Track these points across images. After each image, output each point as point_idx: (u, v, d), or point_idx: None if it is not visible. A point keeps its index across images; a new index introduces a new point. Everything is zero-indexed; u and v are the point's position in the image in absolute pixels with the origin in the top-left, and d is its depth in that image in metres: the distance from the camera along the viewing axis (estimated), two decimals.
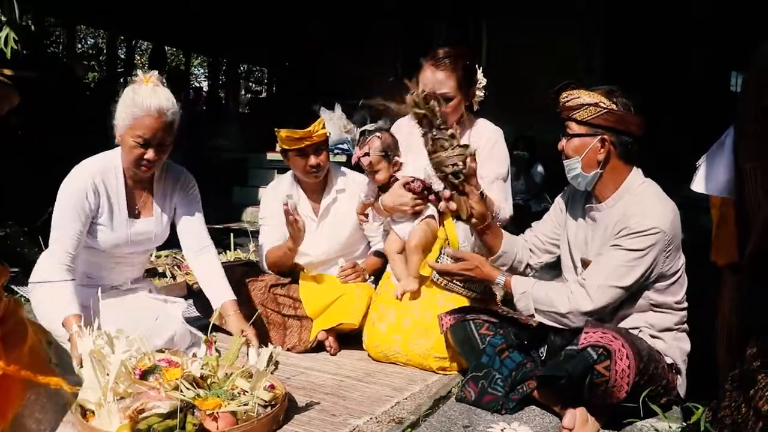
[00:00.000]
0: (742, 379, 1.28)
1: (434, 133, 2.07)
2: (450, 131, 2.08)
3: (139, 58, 15.05)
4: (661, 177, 2.22)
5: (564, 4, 7.40)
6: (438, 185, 2.33)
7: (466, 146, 2.09)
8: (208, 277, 2.42)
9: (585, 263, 2.10)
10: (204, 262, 2.44)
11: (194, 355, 2.02)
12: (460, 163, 2.07)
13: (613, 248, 1.96)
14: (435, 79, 2.47)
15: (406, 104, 2.08)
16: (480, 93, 2.63)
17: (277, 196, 2.80)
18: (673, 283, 2.03)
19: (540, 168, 6.72)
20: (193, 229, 2.46)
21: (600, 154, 2.01)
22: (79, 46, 14.74)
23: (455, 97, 2.49)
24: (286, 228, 2.76)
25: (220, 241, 4.33)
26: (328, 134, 2.65)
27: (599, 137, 2.00)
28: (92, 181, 2.25)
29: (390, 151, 2.55)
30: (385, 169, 2.54)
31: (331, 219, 2.78)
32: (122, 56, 10.81)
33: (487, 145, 2.60)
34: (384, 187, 2.57)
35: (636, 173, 2.07)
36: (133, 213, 2.39)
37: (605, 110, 1.97)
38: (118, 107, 2.20)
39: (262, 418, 1.77)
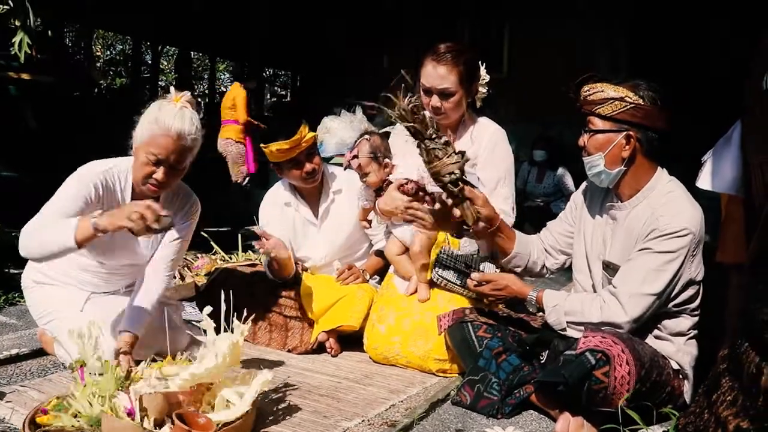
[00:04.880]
0: (710, 384, 1.20)
1: (427, 143, 1.94)
2: (444, 139, 1.96)
3: (166, 63, 15.30)
4: (685, 178, 2.13)
5: (588, 3, 7.28)
6: (432, 186, 2.28)
7: (462, 153, 1.97)
8: (140, 300, 2.22)
9: (606, 265, 2.02)
10: (149, 286, 2.26)
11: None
12: (457, 171, 1.94)
13: (642, 252, 1.87)
14: (436, 74, 2.42)
15: (394, 116, 1.94)
16: (483, 89, 2.57)
17: (275, 204, 2.77)
18: (698, 289, 1.95)
19: (561, 170, 6.57)
20: (161, 255, 2.31)
21: (625, 151, 1.91)
22: (108, 52, 15.06)
23: (457, 92, 2.44)
24: (289, 237, 2.74)
25: (236, 244, 4.35)
26: (316, 137, 2.62)
27: (624, 133, 1.89)
28: (100, 181, 2.14)
29: (379, 154, 2.51)
30: (375, 171, 2.51)
31: (331, 221, 2.75)
32: (148, 61, 10.96)
33: (488, 146, 2.53)
34: (380, 191, 2.54)
35: (661, 172, 1.97)
36: None
37: (632, 105, 1.87)
38: (141, 119, 2.12)
39: None
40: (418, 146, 1.98)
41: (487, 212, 2.06)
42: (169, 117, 2.06)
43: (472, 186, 2.02)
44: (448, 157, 1.94)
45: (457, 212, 2.00)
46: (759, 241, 1.32)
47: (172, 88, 2.19)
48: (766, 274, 1.16)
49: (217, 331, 1.84)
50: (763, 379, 0.97)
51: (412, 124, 1.93)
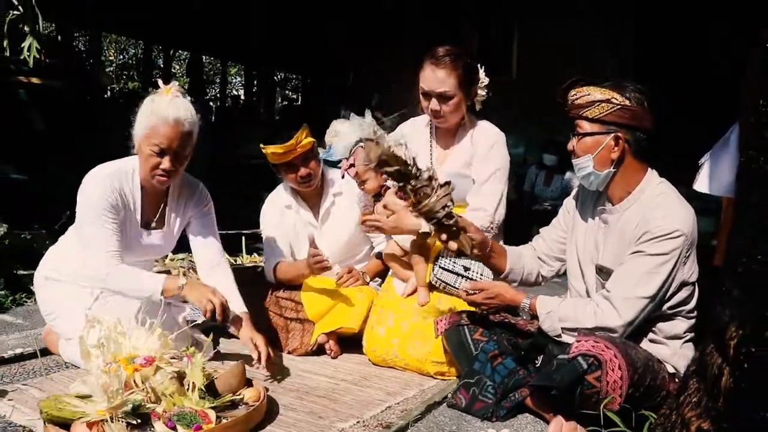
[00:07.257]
0: (680, 385, 1.21)
1: (413, 183, 1.83)
2: (426, 174, 1.85)
3: (178, 67, 15.42)
4: (683, 180, 2.11)
5: (596, 5, 7.26)
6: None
7: (448, 183, 1.88)
8: (221, 291, 2.31)
9: (600, 269, 2.01)
10: (217, 278, 2.38)
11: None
12: (450, 203, 1.87)
13: (635, 255, 1.86)
14: (435, 77, 2.43)
15: (373, 164, 1.84)
16: (482, 92, 2.57)
17: (276, 206, 2.81)
18: (693, 291, 1.94)
19: (569, 174, 6.56)
20: (207, 246, 2.44)
21: (614, 153, 1.91)
22: (121, 56, 15.24)
23: (456, 95, 2.45)
24: (290, 240, 2.76)
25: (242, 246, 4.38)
26: (314, 142, 2.65)
27: (613, 135, 1.90)
28: (111, 185, 2.24)
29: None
30: (372, 178, 2.53)
31: (331, 223, 2.77)
32: (160, 65, 11.08)
33: (485, 147, 2.54)
34: (378, 197, 2.56)
35: (651, 173, 1.97)
36: (147, 224, 2.37)
37: (618, 106, 1.88)
38: (137, 117, 2.21)
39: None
40: (401, 189, 1.91)
41: (480, 237, 2.11)
42: (163, 106, 2.17)
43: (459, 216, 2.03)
44: (435, 192, 1.85)
45: (454, 245, 1.95)
46: (726, 243, 1.32)
47: (159, 81, 2.30)
48: (730, 276, 1.17)
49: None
50: (723, 380, 0.98)
51: (396, 167, 1.81)
